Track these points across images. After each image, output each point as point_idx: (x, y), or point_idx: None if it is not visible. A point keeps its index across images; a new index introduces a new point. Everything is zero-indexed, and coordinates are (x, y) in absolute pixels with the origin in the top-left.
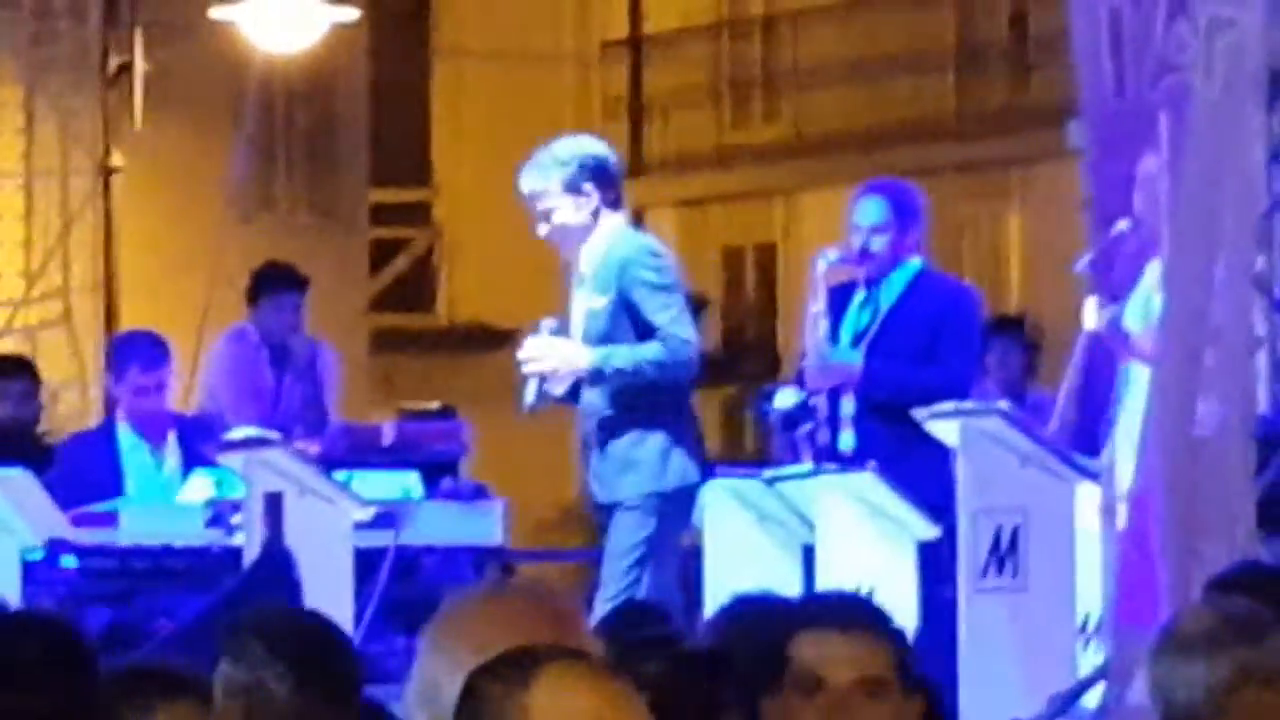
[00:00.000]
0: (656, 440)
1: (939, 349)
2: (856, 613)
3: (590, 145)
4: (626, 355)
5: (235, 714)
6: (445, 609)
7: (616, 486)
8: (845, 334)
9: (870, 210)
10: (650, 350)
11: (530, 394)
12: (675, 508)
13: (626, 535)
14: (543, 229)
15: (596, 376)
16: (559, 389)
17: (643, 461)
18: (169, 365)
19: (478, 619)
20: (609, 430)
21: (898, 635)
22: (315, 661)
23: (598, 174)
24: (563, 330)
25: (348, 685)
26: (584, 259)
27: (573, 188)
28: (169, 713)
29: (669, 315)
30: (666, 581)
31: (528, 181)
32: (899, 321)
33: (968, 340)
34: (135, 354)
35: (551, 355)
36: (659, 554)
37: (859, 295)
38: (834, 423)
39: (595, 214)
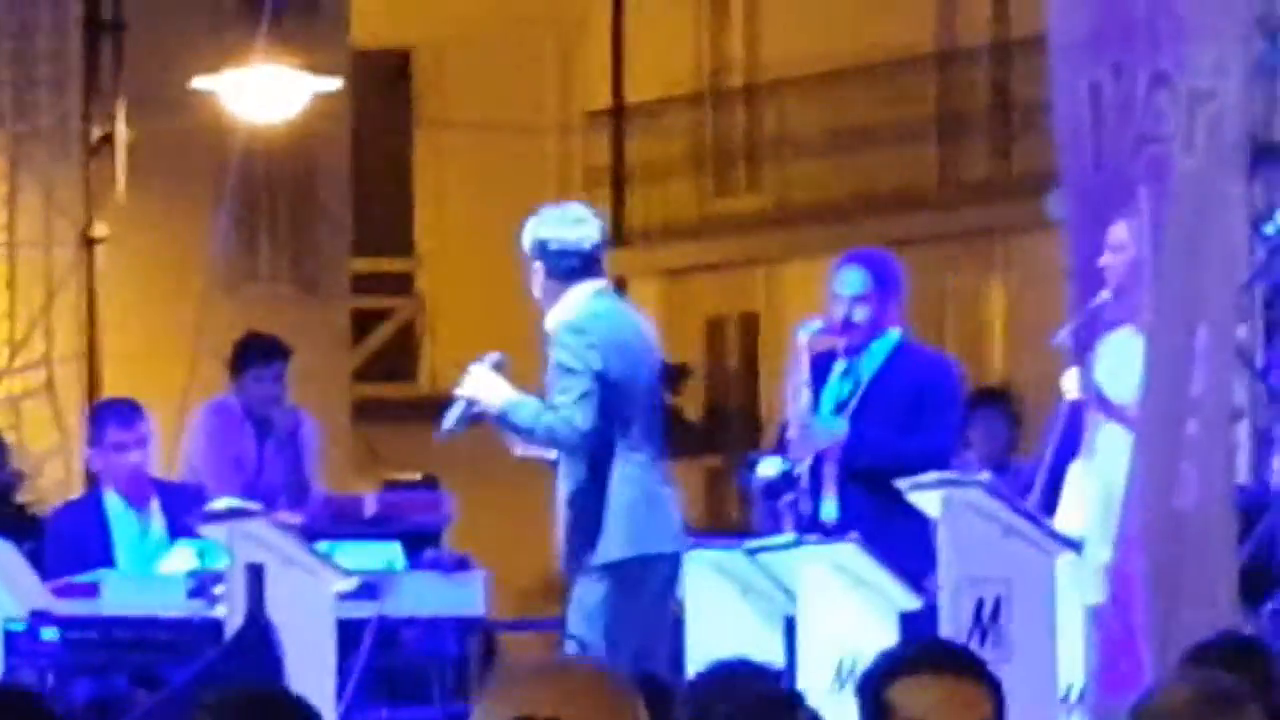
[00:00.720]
0: (608, 509)
1: (921, 419)
2: (958, 659)
3: (542, 222)
4: (530, 414)
5: None
6: (504, 673)
7: (568, 553)
8: (826, 404)
9: (852, 280)
10: (547, 418)
11: (449, 419)
12: (631, 576)
13: (579, 606)
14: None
15: (500, 419)
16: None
17: (589, 531)
18: (146, 423)
19: (537, 687)
20: (565, 498)
21: (996, 684)
22: None
23: (542, 252)
24: (503, 367)
25: None
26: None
27: (530, 264)
28: None
29: (566, 398)
30: (624, 652)
31: (522, 241)
32: (880, 391)
33: (949, 410)
34: (111, 414)
35: (478, 386)
36: (614, 624)
37: (839, 365)
38: (816, 492)
39: (549, 289)
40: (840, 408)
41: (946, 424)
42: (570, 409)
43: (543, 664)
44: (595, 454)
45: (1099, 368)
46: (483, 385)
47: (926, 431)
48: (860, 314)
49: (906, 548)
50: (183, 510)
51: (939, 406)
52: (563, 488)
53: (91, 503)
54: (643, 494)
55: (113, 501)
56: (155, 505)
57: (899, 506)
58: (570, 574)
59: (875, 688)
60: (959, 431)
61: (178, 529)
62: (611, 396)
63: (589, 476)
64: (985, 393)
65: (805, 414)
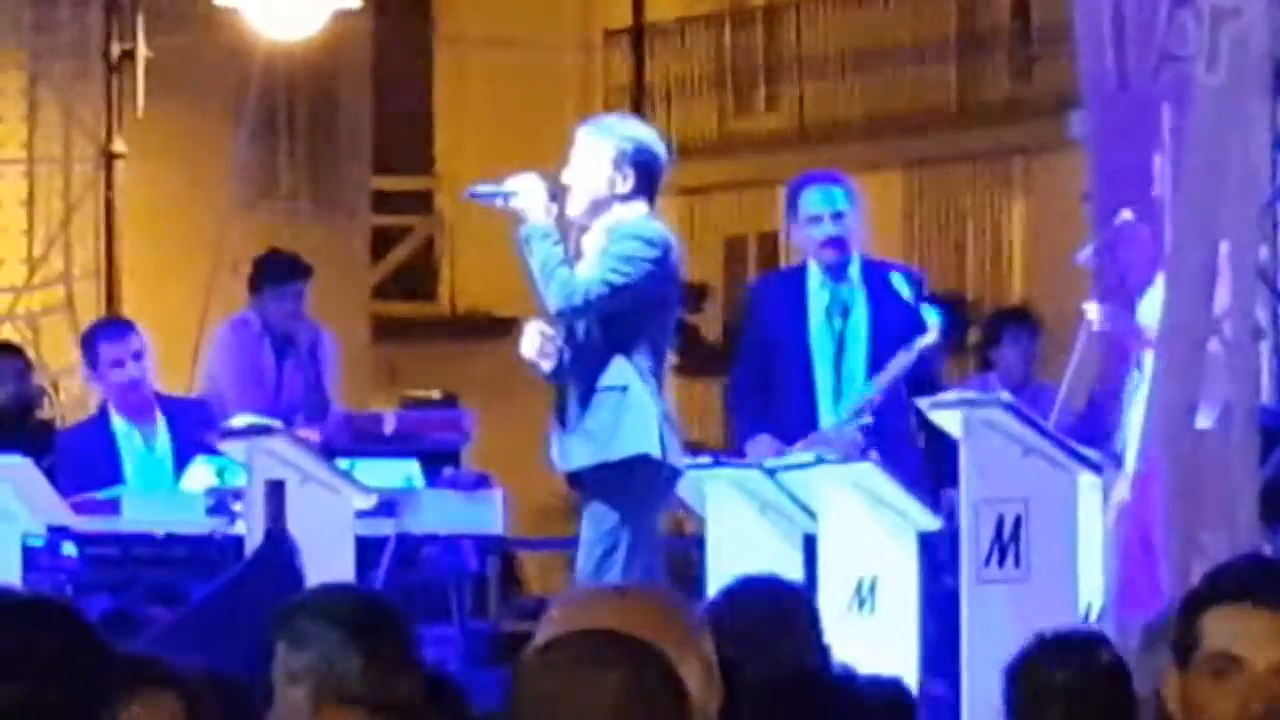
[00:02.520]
0: (608, 408)
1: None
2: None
3: (653, 140)
4: (554, 254)
5: (300, 698)
6: (568, 598)
7: (569, 454)
8: (820, 337)
9: (835, 198)
10: (565, 271)
11: (482, 187)
12: (635, 484)
13: (593, 526)
14: (567, 175)
15: (526, 235)
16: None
17: (594, 429)
18: (138, 337)
19: (605, 613)
20: (565, 397)
21: None
22: (378, 635)
23: (644, 166)
24: (557, 198)
25: (410, 656)
26: (597, 234)
27: (617, 163)
28: (147, 705)
29: (597, 275)
30: (648, 567)
31: (583, 134)
32: (877, 334)
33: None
34: (100, 334)
35: (528, 190)
36: (632, 542)
37: (819, 297)
38: None
39: (620, 198)
40: (837, 340)
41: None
42: (594, 284)
43: (609, 587)
44: (617, 355)
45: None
46: (532, 193)
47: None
48: (841, 229)
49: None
50: (189, 425)
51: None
52: (575, 393)
53: (99, 422)
54: (665, 412)
55: (118, 422)
56: (160, 420)
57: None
58: (567, 475)
59: (1188, 613)
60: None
61: (184, 444)
62: (649, 318)
63: (611, 383)
64: (1009, 313)
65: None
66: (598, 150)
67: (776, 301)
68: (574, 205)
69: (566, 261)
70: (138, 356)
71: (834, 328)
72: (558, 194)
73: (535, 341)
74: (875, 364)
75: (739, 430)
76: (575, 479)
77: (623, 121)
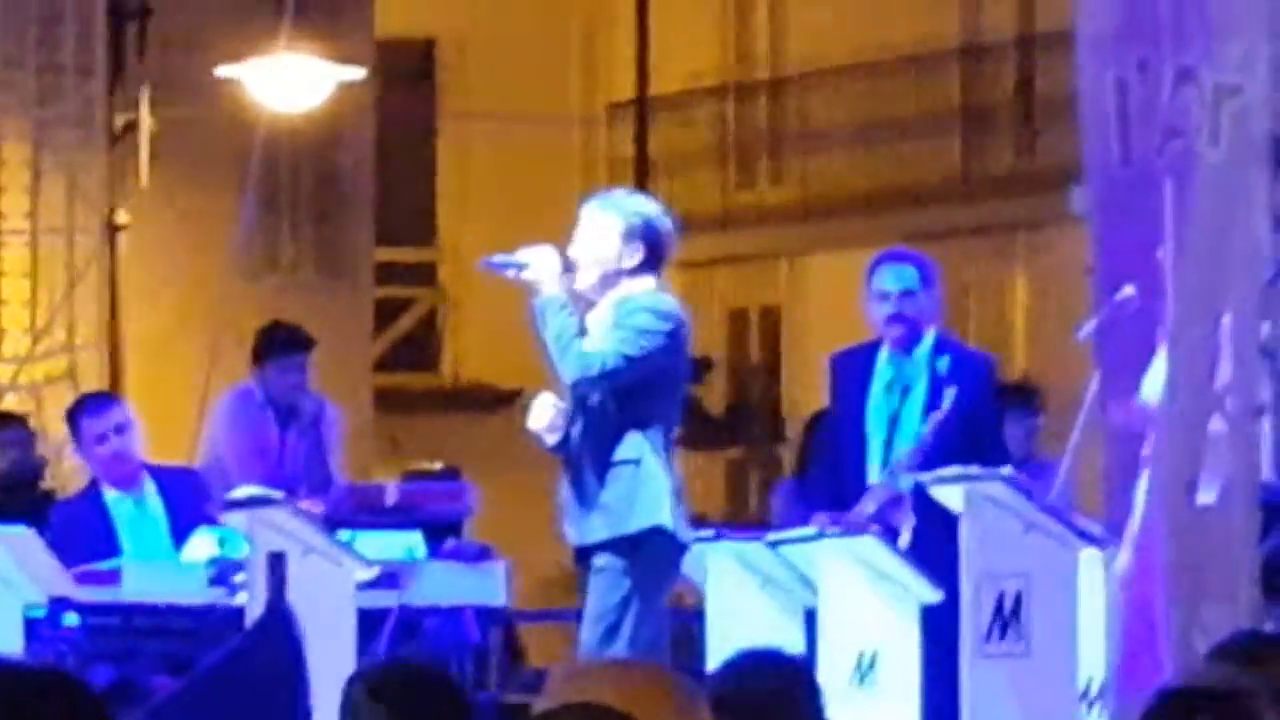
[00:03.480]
0: (623, 481)
1: (983, 435)
2: None
3: (660, 215)
4: (570, 324)
5: None
6: (568, 671)
7: (584, 529)
8: (876, 413)
9: (902, 276)
10: (580, 342)
11: (498, 258)
12: (647, 557)
13: (601, 598)
14: (574, 249)
15: (542, 305)
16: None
17: (609, 503)
18: (121, 409)
19: (603, 688)
20: (579, 471)
21: None
22: (423, 714)
23: (652, 241)
24: (571, 271)
25: None
26: (603, 309)
27: (626, 238)
28: None
29: (609, 347)
30: (652, 640)
31: (591, 208)
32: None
33: (997, 417)
34: (83, 409)
35: (542, 262)
36: (639, 615)
37: (884, 372)
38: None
39: (629, 273)
40: (892, 418)
41: (999, 437)
42: (609, 355)
43: (609, 661)
44: (622, 429)
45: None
46: (545, 265)
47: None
48: (910, 308)
49: None
50: (182, 494)
51: (993, 420)
52: (589, 467)
53: (90, 495)
54: (675, 486)
55: (109, 492)
56: (150, 489)
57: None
58: (577, 549)
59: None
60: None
61: (178, 513)
62: (664, 382)
63: (625, 457)
64: (1011, 389)
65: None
66: (606, 225)
67: (848, 375)
68: (583, 279)
69: (581, 333)
70: (120, 430)
71: (891, 404)
72: (570, 266)
73: (546, 415)
74: (930, 450)
75: (809, 504)
76: (584, 552)
77: (630, 197)
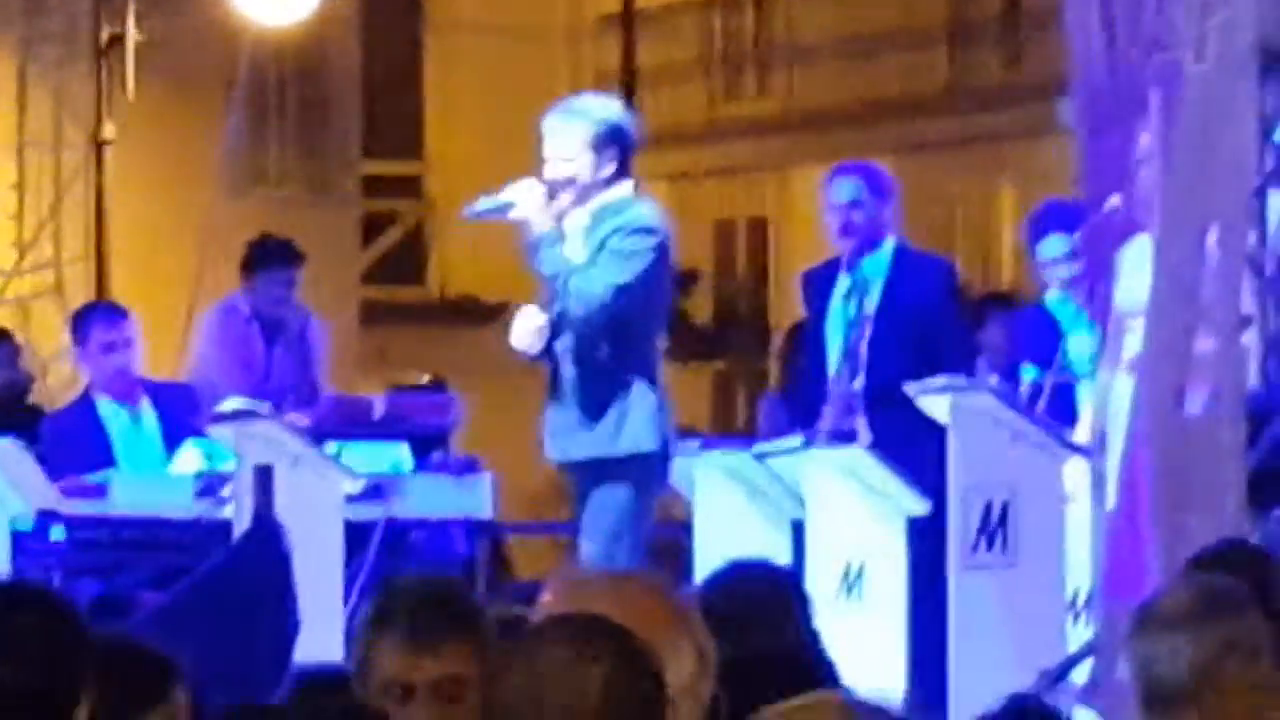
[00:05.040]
0: (614, 405)
1: (931, 338)
2: None
3: (621, 113)
4: (562, 258)
5: None
6: (563, 582)
7: (568, 445)
8: (834, 324)
9: (845, 188)
10: (578, 279)
11: (481, 204)
12: (635, 475)
13: (598, 514)
14: (550, 169)
15: (534, 243)
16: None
17: (596, 425)
18: (130, 324)
19: (600, 598)
20: (574, 387)
21: None
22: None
23: (622, 141)
24: (555, 198)
25: None
26: (581, 215)
27: (595, 147)
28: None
29: (607, 275)
30: (637, 551)
31: (554, 122)
32: (888, 312)
33: (956, 326)
34: (94, 317)
35: (528, 198)
36: (631, 527)
37: (842, 283)
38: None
39: (607, 180)
40: (850, 327)
41: (957, 340)
42: (602, 287)
43: (603, 573)
44: (614, 348)
45: (1121, 272)
46: (533, 201)
47: (943, 354)
48: (858, 218)
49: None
50: (176, 409)
51: (948, 323)
52: (571, 375)
53: (84, 406)
54: (652, 395)
55: (104, 404)
56: (146, 404)
57: (925, 424)
58: (559, 464)
59: None
60: (966, 332)
61: (171, 428)
62: (654, 299)
63: (613, 370)
64: (996, 298)
65: None
66: (574, 139)
67: (815, 290)
68: (564, 199)
69: (570, 263)
70: (127, 344)
71: (847, 313)
72: (554, 191)
73: (529, 334)
74: (879, 350)
75: (791, 418)
76: (568, 467)
77: (588, 102)
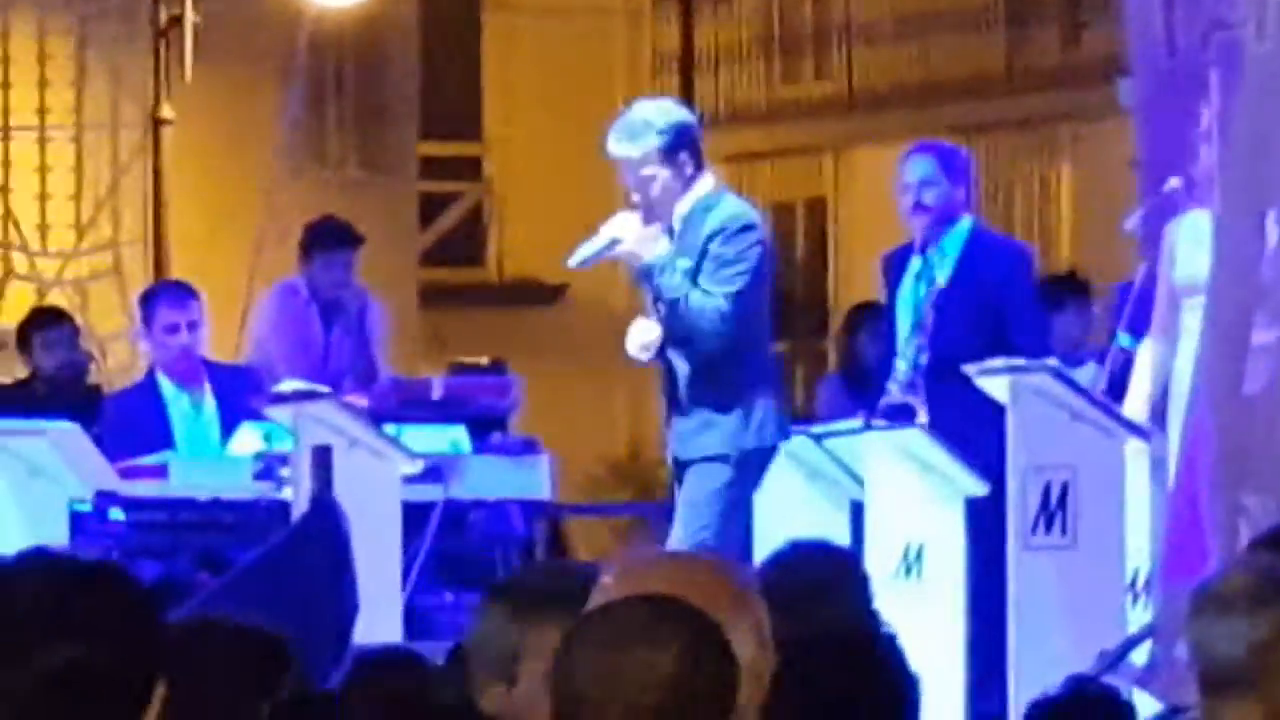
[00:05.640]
0: (739, 402)
1: (1003, 319)
2: None
3: (679, 111)
4: (682, 282)
5: None
6: (625, 562)
7: (695, 444)
8: (904, 305)
9: (919, 166)
10: (697, 295)
11: (585, 250)
12: (751, 466)
13: (700, 486)
14: (635, 195)
15: (645, 272)
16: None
17: (724, 422)
18: (198, 304)
19: (660, 578)
20: (693, 389)
21: None
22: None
23: (690, 141)
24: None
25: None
26: (676, 219)
27: (669, 156)
28: None
29: (722, 289)
30: (736, 537)
31: (621, 148)
32: (959, 294)
33: (1028, 307)
34: (162, 296)
35: (627, 231)
36: (732, 508)
37: (914, 264)
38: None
39: (689, 181)
40: (918, 306)
41: (1028, 324)
42: (723, 300)
43: (664, 552)
44: (735, 347)
45: (1178, 248)
46: (633, 231)
47: (1011, 337)
48: (930, 197)
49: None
50: (234, 392)
51: (1019, 306)
52: (684, 371)
53: (147, 387)
54: (773, 389)
55: (166, 385)
56: (207, 387)
57: (987, 402)
58: (683, 462)
59: None
60: (1040, 317)
61: (230, 410)
62: (765, 294)
63: (725, 367)
64: (1063, 281)
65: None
66: (644, 159)
67: (892, 271)
68: (654, 214)
69: (689, 284)
70: (193, 326)
71: (917, 293)
72: (649, 215)
73: (643, 351)
74: (946, 328)
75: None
76: (685, 465)
77: (641, 115)
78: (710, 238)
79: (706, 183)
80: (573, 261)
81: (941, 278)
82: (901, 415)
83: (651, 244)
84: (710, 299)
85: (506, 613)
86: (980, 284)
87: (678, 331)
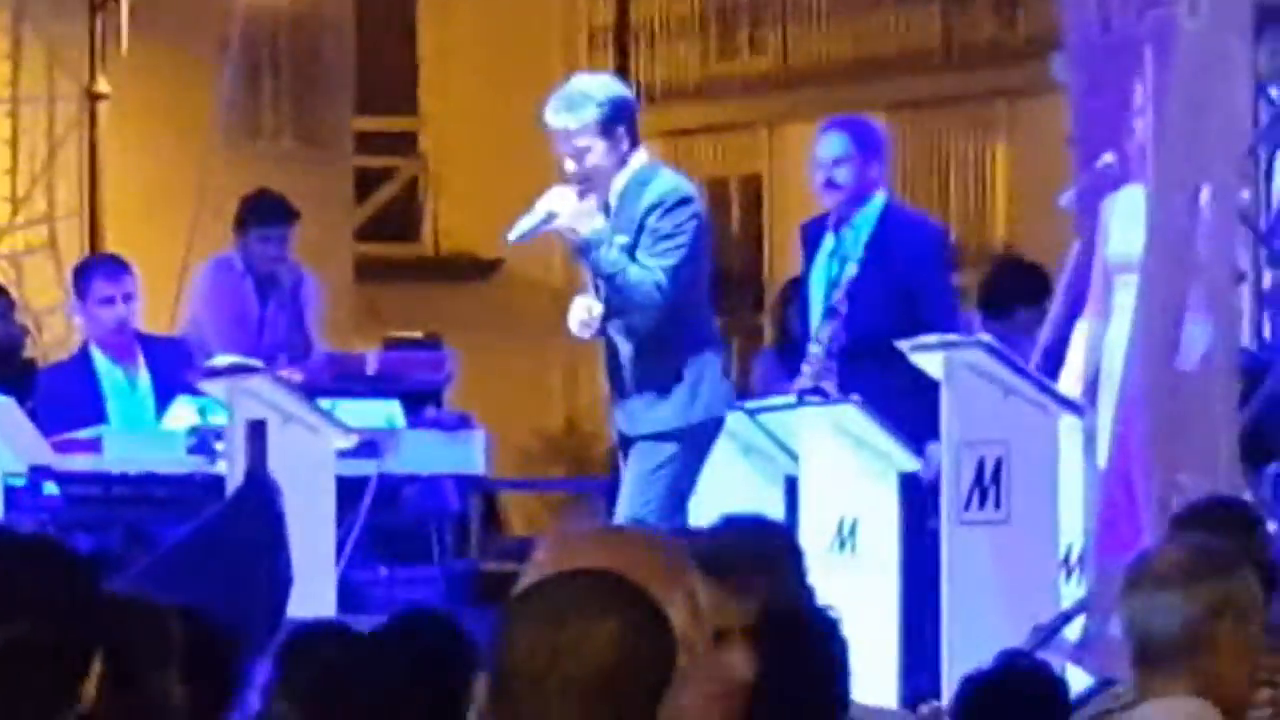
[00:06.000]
0: (684, 376)
1: (916, 295)
2: None
3: (617, 86)
4: (618, 257)
5: None
6: (555, 538)
7: (643, 420)
8: (818, 281)
9: (831, 144)
10: (635, 270)
11: (521, 227)
12: (697, 439)
13: (645, 462)
14: (570, 165)
15: (583, 247)
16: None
17: (670, 397)
18: (132, 278)
19: (591, 552)
20: (637, 366)
21: None
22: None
23: (627, 115)
24: (587, 197)
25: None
26: (611, 195)
27: (606, 129)
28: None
29: (660, 263)
30: (679, 510)
31: (558, 119)
32: (872, 271)
33: (943, 286)
34: (96, 269)
35: (564, 205)
36: (676, 482)
37: (828, 241)
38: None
39: (624, 156)
40: (831, 286)
41: (940, 304)
42: (660, 274)
43: (598, 527)
44: (676, 320)
45: (1111, 224)
46: (569, 206)
47: (923, 317)
48: (842, 175)
49: (910, 421)
50: (169, 365)
51: (932, 287)
52: (627, 349)
53: (80, 360)
54: (717, 360)
55: (100, 360)
56: (141, 360)
57: (900, 383)
58: (631, 438)
59: None
60: (953, 297)
61: (165, 383)
62: (702, 267)
63: (668, 341)
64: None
65: None
66: (582, 130)
67: (809, 242)
68: (590, 186)
69: (627, 259)
70: (128, 298)
71: (830, 270)
72: (584, 189)
73: (584, 327)
74: (859, 306)
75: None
76: (634, 439)
77: (581, 87)
78: (647, 212)
79: (641, 157)
80: (511, 236)
81: (854, 257)
82: (817, 397)
83: (587, 219)
84: (648, 273)
85: None
86: (892, 263)
87: (617, 306)
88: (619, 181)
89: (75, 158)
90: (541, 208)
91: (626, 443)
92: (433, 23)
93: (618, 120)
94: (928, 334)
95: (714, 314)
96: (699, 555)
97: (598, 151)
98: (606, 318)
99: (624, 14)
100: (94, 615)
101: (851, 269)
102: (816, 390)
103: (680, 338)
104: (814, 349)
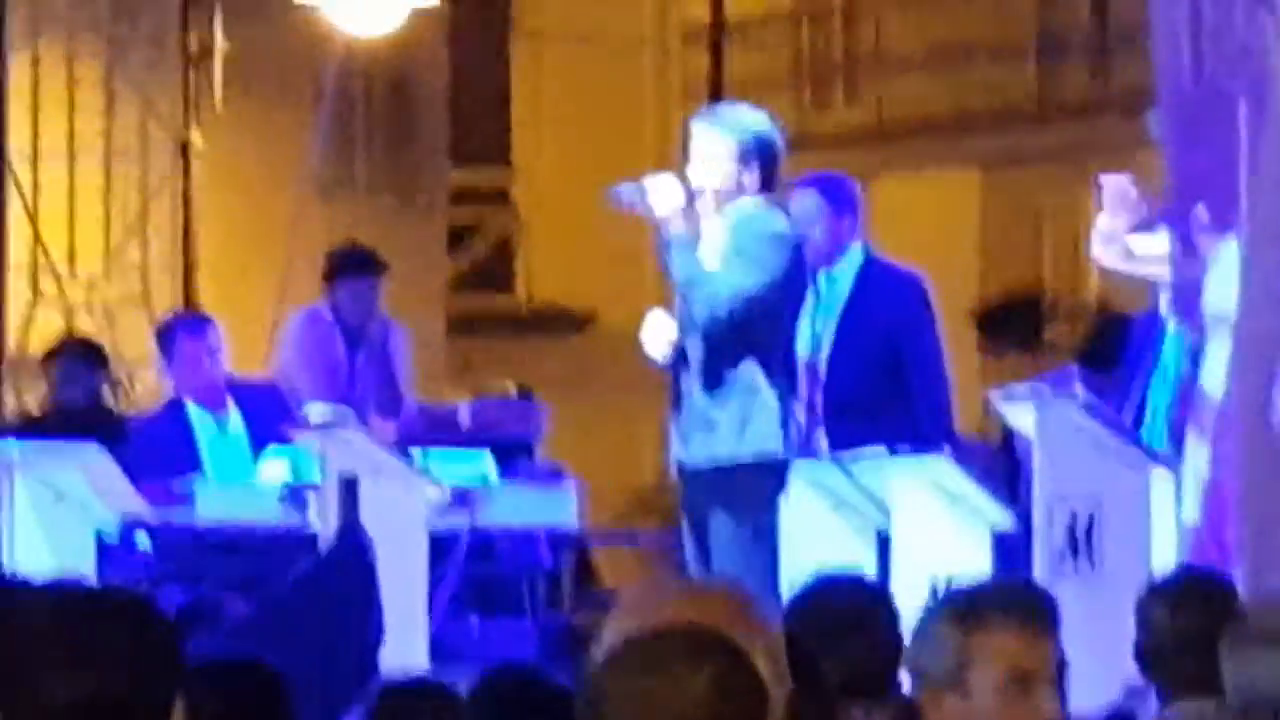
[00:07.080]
0: (737, 406)
1: (904, 357)
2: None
3: (768, 125)
4: (696, 257)
5: None
6: (639, 593)
7: (692, 445)
8: (803, 338)
9: (798, 205)
10: (706, 275)
11: (622, 187)
12: (758, 484)
13: (723, 520)
14: (692, 174)
15: (666, 245)
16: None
17: (720, 423)
18: (215, 332)
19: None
20: (690, 392)
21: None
22: None
23: (768, 157)
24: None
25: None
26: (718, 223)
27: (742, 159)
28: None
29: (736, 276)
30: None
31: (707, 128)
32: (854, 328)
33: (929, 338)
34: (179, 329)
35: (664, 190)
36: (748, 536)
37: (809, 298)
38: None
39: (745, 190)
40: (814, 345)
41: (925, 359)
42: (736, 297)
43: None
44: (745, 346)
45: (1210, 276)
46: (668, 197)
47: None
48: (815, 233)
49: None
50: (261, 410)
51: (916, 342)
52: (693, 379)
53: (172, 410)
54: (789, 410)
55: (192, 407)
56: (233, 407)
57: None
58: (681, 466)
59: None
60: (939, 350)
61: (258, 429)
62: (783, 307)
63: (737, 374)
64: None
65: None
66: (719, 148)
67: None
68: (702, 206)
69: (703, 263)
70: (213, 353)
71: (813, 329)
72: (692, 196)
73: (661, 345)
74: (840, 364)
75: None
76: (684, 472)
77: (738, 112)
78: (742, 236)
79: (758, 200)
80: (608, 194)
81: (831, 318)
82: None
83: (680, 219)
84: (718, 288)
85: (953, 620)
86: (874, 319)
87: (686, 315)
88: (729, 211)
89: (169, 210)
90: (649, 183)
91: (681, 473)
92: (526, 76)
93: (756, 156)
94: (912, 392)
95: (786, 362)
96: (792, 614)
97: (723, 174)
98: (680, 329)
99: (718, 67)
100: (171, 672)
101: (832, 321)
102: (804, 449)
103: (741, 371)
104: (800, 412)
